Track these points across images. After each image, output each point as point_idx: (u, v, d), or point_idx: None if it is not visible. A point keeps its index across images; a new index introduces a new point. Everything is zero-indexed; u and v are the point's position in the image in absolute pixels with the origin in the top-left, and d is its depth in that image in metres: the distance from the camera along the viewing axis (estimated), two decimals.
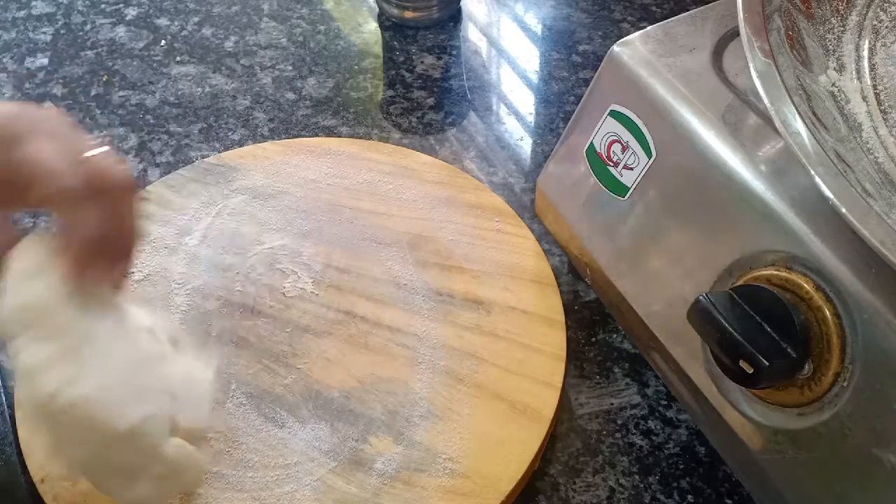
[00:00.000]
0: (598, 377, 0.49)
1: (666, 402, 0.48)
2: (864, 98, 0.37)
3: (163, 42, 0.71)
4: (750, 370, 0.33)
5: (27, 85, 0.67)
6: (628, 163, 0.42)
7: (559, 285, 0.50)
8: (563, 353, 0.47)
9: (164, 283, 0.51)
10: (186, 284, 0.51)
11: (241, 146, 0.62)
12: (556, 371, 0.46)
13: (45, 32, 0.72)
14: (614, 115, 0.43)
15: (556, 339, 0.48)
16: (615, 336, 0.51)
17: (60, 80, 0.68)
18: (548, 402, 0.45)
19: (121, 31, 0.72)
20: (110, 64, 0.69)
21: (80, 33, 0.72)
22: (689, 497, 0.45)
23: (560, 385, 0.46)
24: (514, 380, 0.46)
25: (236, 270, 0.52)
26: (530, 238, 0.53)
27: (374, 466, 0.43)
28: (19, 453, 0.43)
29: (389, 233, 0.53)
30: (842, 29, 0.40)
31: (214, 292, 0.50)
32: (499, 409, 0.45)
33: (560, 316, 0.49)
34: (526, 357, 0.47)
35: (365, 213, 0.55)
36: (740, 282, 0.36)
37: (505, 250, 0.52)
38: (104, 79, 0.68)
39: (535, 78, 0.68)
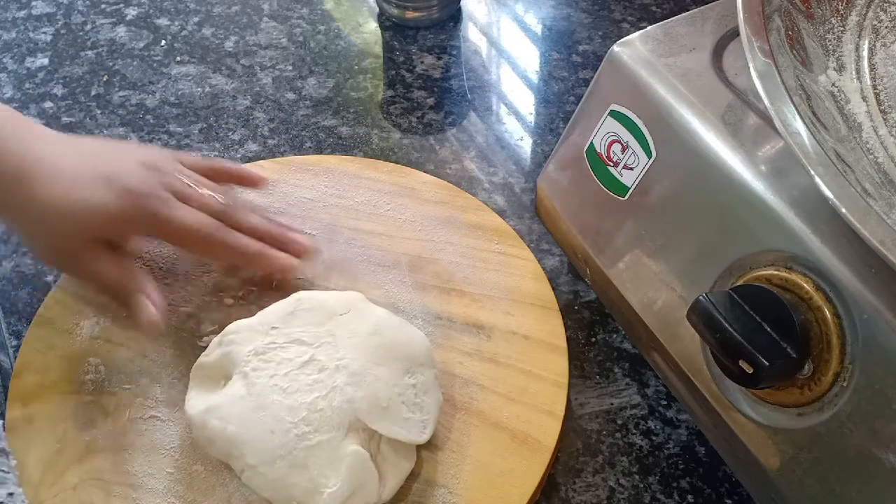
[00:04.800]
0: (598, 377, 0.49)
1: (666, 402, 0.48)
2: (864, 98, 0.37)
3: (163, 42, 0.71)
4: (750, 370, 0.33)
5: (27, 85, 0.67)
6: (628, 163, 0.42)
7: (559, 285, 0.50)
8: (566, 381, 0.46)
9: (160, 302, 0.49)
10: (184, 305, 0.50)
11: (241, 146, 0.62)
12: (557, 399, 0.45)
13: (45, 32, 0.72)
14: (614, 115, 0.43)
15: (558, 366, 0.47)
16: (615, 336, 0.51)
17: (60, 80, 0.68)
18: (549, 432, 0.44)
19: (121, 31, 0.72)
20: (110, 64, 0.69)
21: (81, 33, 0.72)
22: (689, 497, 0.45)
23: (562, 414, 0.45)
24: (514, 408, 0.45)
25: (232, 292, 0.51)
26: (531, 260, 0.52)
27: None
28: None
29: (389, 254, 0.52)
30: (842, 29, 0.40)
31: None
32: (499, 439, 0.44)
33: (562, 341, 0.48)
34: (527, 384, 0.46)
35: (364, 234, 0.54)
36: (740, 282, 0.36)
37: (506, 273, 0.51)
38: (104, 79, 0.68)
39: (535, 78, 0.68)
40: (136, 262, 0.49)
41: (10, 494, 0.29)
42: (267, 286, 0.51)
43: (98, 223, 0.46)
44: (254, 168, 0.57)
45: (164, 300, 0.47)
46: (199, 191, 0.48)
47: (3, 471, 0.29)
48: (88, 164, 0.46)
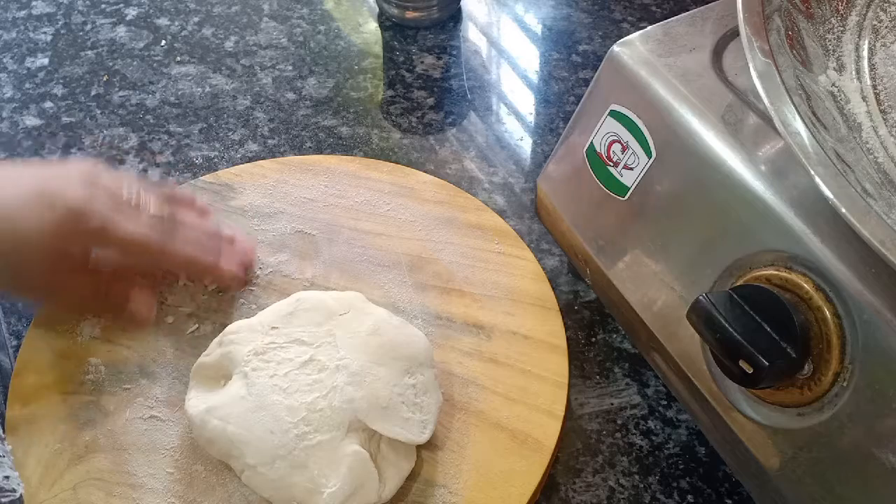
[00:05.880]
0: (598, 377, 0.49)
1: (666, 402, 0.48)
2: (864, 98, 0.37)
3: (163, 42, 0.71)
4: (750, 370, 0.33)
5: (27, 85, 0.67)
6: (628, 163, 0.42)
7: (559, 285, 0.50)
8: (566, 381, 0.46)
9: (158, 305, 0.50)
10: (184, 305, 0.50)
11: (241, 146, 0.62)
12: (557, 399, 0.45)
13: (45, 32, 0.72)
14: (614, 115, 0.43)
15: (558, 366, 0.47)
16: (615, 336, 0.51)
17: (60, 80, 0.68)
18: (549, 432, 0.44)
19: (121, 31, 0.72)
20: (110, 64, 0.69)
21: (81, 33, 0.72)
22: (689, 497, 0.45)
23: (562, 414, 0.45)
24: (514, 408, 0.45)
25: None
26: (531, 260, 0.52)
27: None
28: None
29: (388, 254, 0.52)
30: (842, 29, 0.40)
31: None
32: (499, 439, 0.44)
33: (562, 341, 0.48)
34: (527, 384, 0.46)
35: (364, 234, 0.53)
36: (740, 282, 0.36)
37: (506, 273, 0.51)
38: (104, 79, 0.68)
39: (535, 78, 0.68)
40: (102, 273, 0.47)
41: (7, 478, 0.28)
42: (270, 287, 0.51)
43: (45, 245, 0.43)
44: (253, 167, 0.57)
45: (149, 297, 0.46)
46: (142, 199, 0.46)
47: None
48: (27, 187, 0.43)
